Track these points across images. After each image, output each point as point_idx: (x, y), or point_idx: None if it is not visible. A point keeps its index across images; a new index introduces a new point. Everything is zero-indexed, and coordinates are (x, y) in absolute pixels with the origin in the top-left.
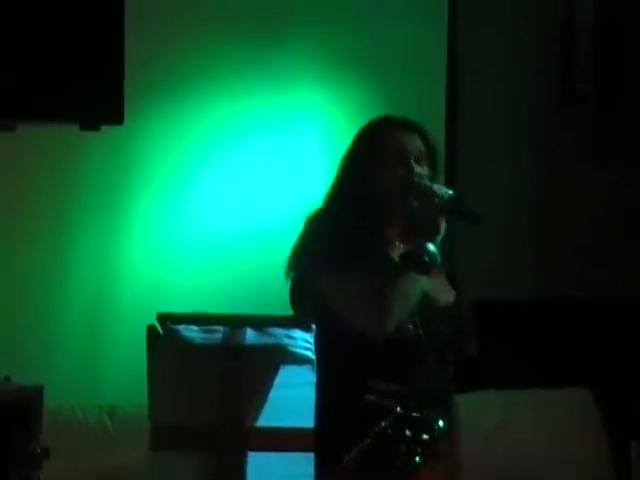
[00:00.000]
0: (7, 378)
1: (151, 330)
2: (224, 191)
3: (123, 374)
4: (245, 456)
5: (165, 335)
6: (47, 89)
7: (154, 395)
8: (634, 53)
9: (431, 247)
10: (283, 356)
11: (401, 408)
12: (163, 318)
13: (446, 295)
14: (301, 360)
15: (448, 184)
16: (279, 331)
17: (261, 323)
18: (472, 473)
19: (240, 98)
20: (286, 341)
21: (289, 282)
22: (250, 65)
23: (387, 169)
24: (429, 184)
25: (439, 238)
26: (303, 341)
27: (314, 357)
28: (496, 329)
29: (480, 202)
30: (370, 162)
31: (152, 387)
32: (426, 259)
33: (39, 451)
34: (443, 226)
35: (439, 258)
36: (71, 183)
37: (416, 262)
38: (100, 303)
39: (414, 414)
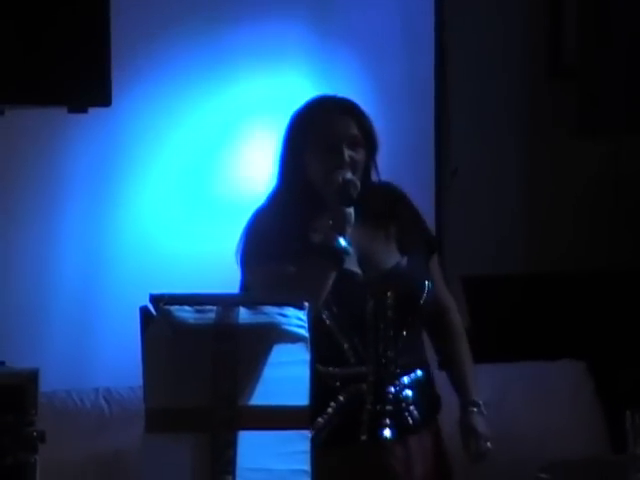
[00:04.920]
0: (2, 362)
1: (144, 311)
2: (213, 172)
3: (118, 357)
4: (240, 436)
5: (158, 316)
6: (34, 73)
7: (147, 377)
8: (620, 24)
9: (338, 238)
10: (277, 334)
11: (355, 383)
12: (156, 299)
13: (389, 259)
14: (295, 338)
15: (437, 160)
16: (272, 309)
17: (254, 302)
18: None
19: (228, 78)
20: (279, 319)
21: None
22: (238, 45)
23: (317, 159)
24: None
25: (348, 226)
26: (296, 319)
27: (308, 335)
28: (489, 304)
29: (468, 177)
30: (302, 152)
31: (146, 369)
32: (336, 250)
33: (35, 435)
34: (348, 213)
35: (348, 248)
36: (60, 165)
37: (326, 252)
38: (92, 286)
39: (372, 387)
